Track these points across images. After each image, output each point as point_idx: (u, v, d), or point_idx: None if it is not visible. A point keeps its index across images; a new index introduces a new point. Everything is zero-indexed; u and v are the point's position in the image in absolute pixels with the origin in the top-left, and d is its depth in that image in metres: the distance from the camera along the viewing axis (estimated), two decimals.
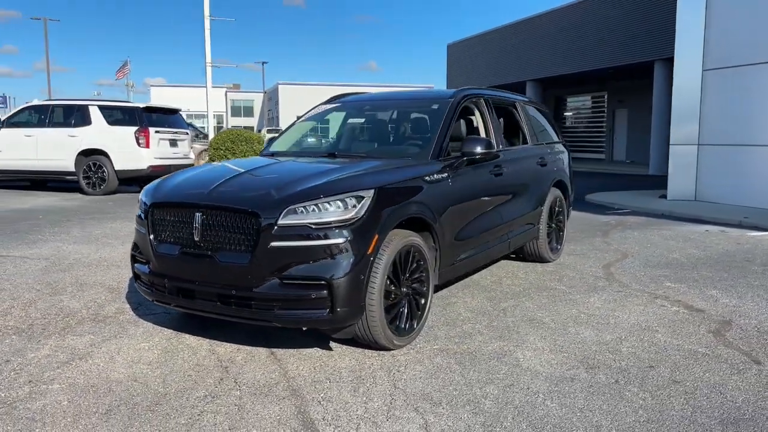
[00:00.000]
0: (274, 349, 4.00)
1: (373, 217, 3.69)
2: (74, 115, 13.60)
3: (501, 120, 6.30)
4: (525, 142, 6.25)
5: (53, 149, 13.50)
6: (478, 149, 4.67)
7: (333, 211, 3.60)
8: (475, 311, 4.80)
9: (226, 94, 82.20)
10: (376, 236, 3.68)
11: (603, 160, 30.48)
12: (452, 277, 4.73)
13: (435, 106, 5.11)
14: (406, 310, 4.03)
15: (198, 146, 19.29)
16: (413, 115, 5.31)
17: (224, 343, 4.11)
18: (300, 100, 68.67)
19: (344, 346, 4.03)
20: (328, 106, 5.76)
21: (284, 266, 3.56)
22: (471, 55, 33.98)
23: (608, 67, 24.01)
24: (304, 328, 3.80)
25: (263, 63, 79.79)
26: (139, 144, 13.16)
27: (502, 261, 6.55)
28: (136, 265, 4.28)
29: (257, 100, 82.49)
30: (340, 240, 3.57)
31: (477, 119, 5.45)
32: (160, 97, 73.71)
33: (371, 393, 3.34)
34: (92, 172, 13.34)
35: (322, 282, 3.53)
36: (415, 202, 4.09)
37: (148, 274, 4.09)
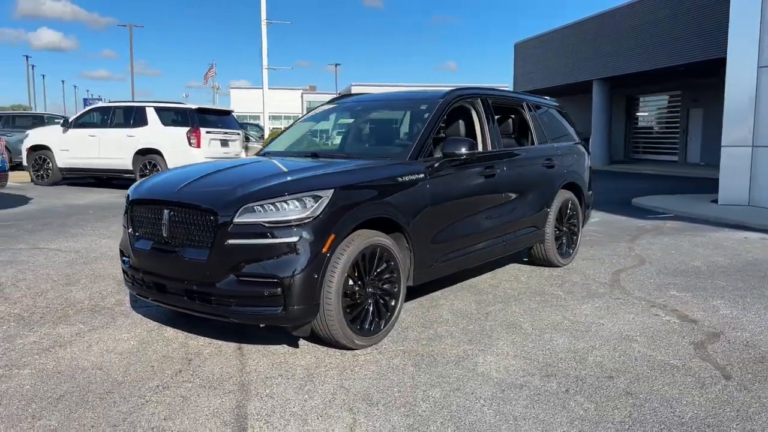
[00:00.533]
0: (243, 345, 4.10)
1: (330, 217, 3.72)
2: (133, 117, 14.30)
3: (509, 120, 6.20)
4: (532, 142, 6.11)
5: (113, 148, 14.23)
6: (461, 150, 4.61)
7: (289, 210, 3.66)
8: (457, 314, 4.74)
9: (302, 96, 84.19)
10: (332, 236, 3.71)
11: (676, 162, 29.14)
12: (432, 278, 4.69)
13: (423, 107, 5.09)
14: (371, 311, 4.03)
15: (258, 147, 19.85)
16: (402, 116, 5.30)
17: (199, 337, 4.24)
18: None
19: (311, 344, 4.08)
20: (327, 107, 5.83)
21: (240, 263, 3.65)
22: (536, 54, 33.29)
23: (679, 64, 22.94)
24: (261, 325, 3.88)
25: (336, 65, 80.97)
26: (190, 144, 13.67)
27: (509, 264, 6.42)
28: (123, 258, 4.48)
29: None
30: (294, 239, 3.62)
31: (474, 119, 5.38)
32: (239, 98, 76.23)
33: (315, 391, 3.38)
34: (148, 171, 13.97)
35: (275, 280, 3.60)
36: (382, 203, 4.09)
37: (129, 269, 4.28)
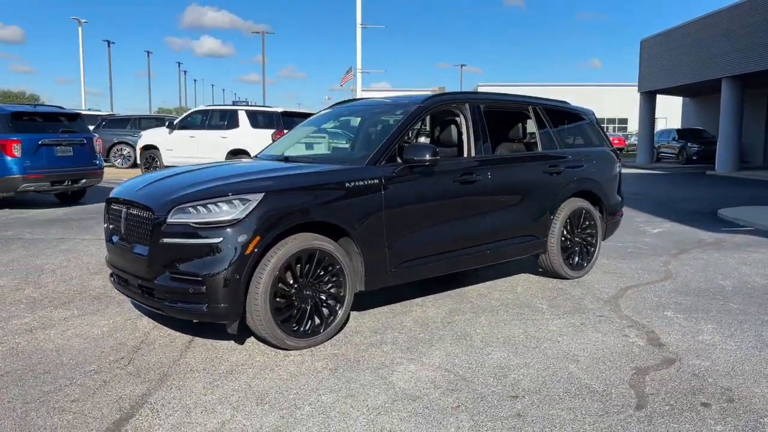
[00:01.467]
0: (199, 338, 4.34)
1: (256, 220, 3.86)
2: (227, 119, 15.29)
3: (513, 125, 6.00)
4: (537, 148, 5.86)
5: (209, 149, 15.28)
6: (423, 157, 4.57)
7: (217, 212, 3.85)
8: (420, 321, 4.70)
9: None
10: (258, 238, 3.85)
11: None
12: (391, 283, 4.67)
13: (399, 113, 5.08)
14: (308, 313, 4.12)
15: None
16: (379, 122, 5.31)
17: (167, 329, 4.54)
18: None
19: (256, 342, 4.24)
20: (324, 112, 5.96)
21: (172, 261, 3.90)
22: (661, 52, 31.18)
23: None
24: (194, 321, 4.09)
25: (462, 66, 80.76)
26: None
27: (521, 273, 6.20)
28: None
29: None
30: (218, 240, 3.81)
31: (460, 125, 5.28)
32: None
33: (221, 386, 3.54)
34: None
35: (199, 278, 3.81)
36: (323, 207, 4.15)
37: (107, 263, 4.68)
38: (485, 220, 5.16)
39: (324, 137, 5.76)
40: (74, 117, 11.59)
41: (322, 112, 6.11)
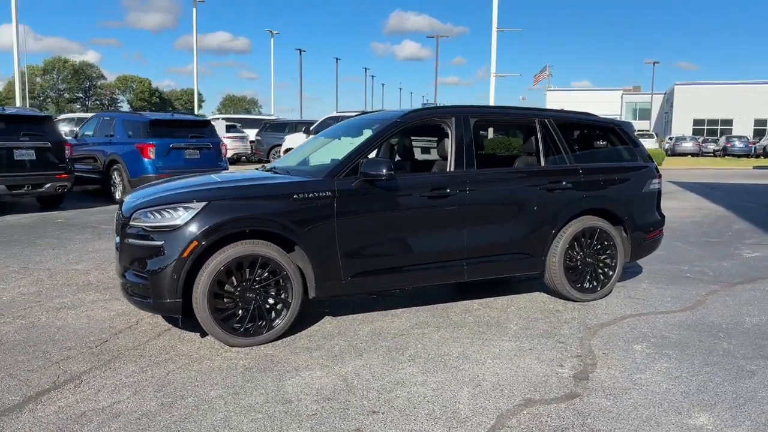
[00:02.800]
0: (175, 330, 4.91)
1: (196, 226, 4.32)
2: None
3: (516, 138, 5.81)
4: (540, 162, 5.62)
5: (338, 154, 16.18)
6: (380, 172, 4.71)
7: (165, 218, 4.39)
8: (376, 332, 4.84)
9: (621, 97, 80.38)
10: (195, 243, 4.31)
11: None
12: (346, 292, 4.87)
13: (375, 127, 5.23)
14: (250, 314, 4.49)
15: None
16: (359, 136, 5.47)
17: (158, 318, 5.19)
18: (699, 102, 63.17)
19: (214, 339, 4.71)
20: (339, 124, 6.27)
21: (133, 259, 4.52)
22: None
23: None
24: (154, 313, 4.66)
25: (654, 63, 74.72)
26: None
27: (533, 292, 5.97)
28: None
29: (656, 102, 77.94)
30: (160, 242, 4.34)
31: (445, 139, 5.29)
32: (554, 100, 75.83)
33: (144, 372, 4.05)
34: None
35: (144, 275, 4.38)
36: (263, 217, 4.48)
37: None
38: (461, 236, 5.12)
39: (311, 150, 6.07)
40: (205, 124, 13.08)
41: (337, 125, 6.42)
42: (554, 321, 5.13)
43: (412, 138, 6.42)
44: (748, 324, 5.06)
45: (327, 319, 5.17)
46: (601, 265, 5.74)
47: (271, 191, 4.67)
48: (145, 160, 11.90)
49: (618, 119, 6.27)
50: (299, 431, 3.25)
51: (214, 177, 5.34)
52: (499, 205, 5.33)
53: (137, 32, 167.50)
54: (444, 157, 5.42)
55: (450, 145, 5.25)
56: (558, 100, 74.69)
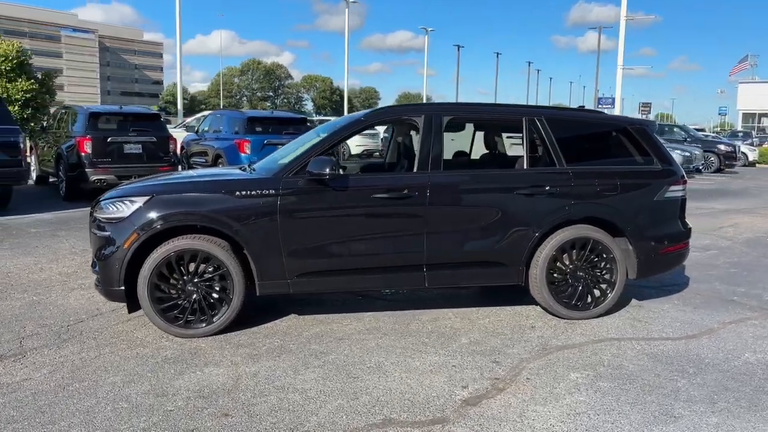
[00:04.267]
0: (143, 318, 5.21)
1: (137, 219, 4.57)
2: None
3: (498, 138, 5.37)
4: (550, 164, 5.14)
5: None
6: (324, 171, 4.63)
7: (114, 210, 4.69)
8: (322, 334, 4.78)
9: None
10: (135, 235, 4.55)
11: None
12: (293, 291, 4.82)
13: (340, 125, 5.14)
14: (191, 307, 4.65)
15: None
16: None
17: None
18: None
19: None
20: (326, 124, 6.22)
21: (96, 248, 4.88)
22: None
23: None
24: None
25: None
26: None
27: (518, 305, 5.51)
28: None
29: None
30: (107, 233, 4.66)
31: (414, 139, 5.05)
32: (746, 93, 68.35)
33: (78, 355, 4.38)
34: None
35: (96, 264, 4.72)
36: (204, 213, 4.60)
37: None
38: (420, 242, 4.87)
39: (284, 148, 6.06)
40: (302, 121, 13.60)
41: (326, 123, 6.39)
42: (514, 339, 4.69)
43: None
44: (740, 361, 4.25)
45: (290, 316, 5.19)
46: (596, 280, 5.14)
47: (214, 188, 4.79)
48: (242, 155, 12.63)
49: (635, 118, 5.51)
50: (137, 426, 3.33)
51: (194, 172, 5.59)
52: (465, 211, 4.97)
53: (325, 34, 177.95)
54: (411, 157, 5.19)
55: (418, 144, 5.01)
56: (749, 93, 66.93)
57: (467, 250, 4.97)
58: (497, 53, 73.09)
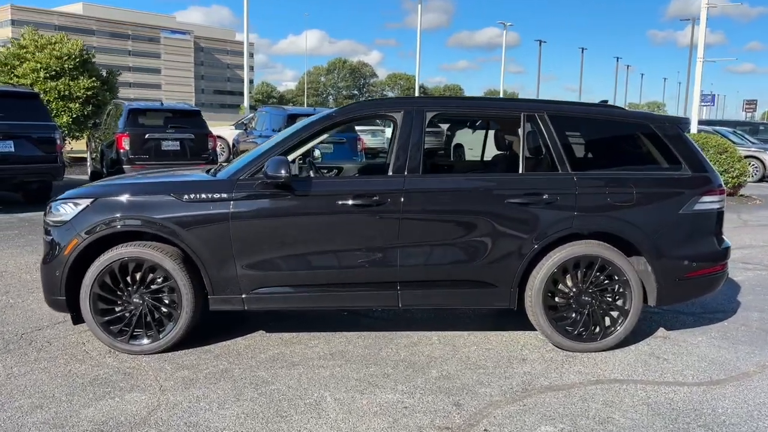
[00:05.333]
0: None
1: (79, 223, 4.19)
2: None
3: (494, 137, 4.63)
4: (551, 168, 4.39)
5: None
6: (279, 173, 4.09)
7: (59, 213, 4.34)
8: (269, 360, 4.22)
9: None
10: (74, 240, 4.18)
11: None
12: (248, 308, 4.30)
13: (308, 122, 4.57)
14: (136, 321, 4.24)
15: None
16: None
17: None
18: None
19: None
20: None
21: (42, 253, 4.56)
22: None
23: None
24: None
25: None
26: None
27: (519, 331, 4.75)
28: None
29: None
30: (49, 237, 4.31)
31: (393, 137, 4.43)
32: None
33: (11, 368, 4.06)
34: None
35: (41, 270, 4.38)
36: (146, 218, 4.17)
37: None
38: (393, 255, 4.24)
39: None
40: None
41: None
42: (494, 374, 3.98)
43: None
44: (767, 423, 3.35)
45: (255, 334, 4.69)
46: (605, 306, 4.33)
47: (161, 190, 4.33)
48: None
49: (662, 115, 4.63)
50: None
51: (152, 174, 5.20)
52: (446, 221, 4.29)
53: (413, 32, 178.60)
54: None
55: (397, 143, 4.37)
56: None
57: (448, 266, 4.28)
58: (582, 48, 69.66)
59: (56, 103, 15.18)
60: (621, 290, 4.30)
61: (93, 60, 16.62)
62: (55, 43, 15.53)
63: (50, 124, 10.18)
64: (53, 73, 15.16)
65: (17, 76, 15.11)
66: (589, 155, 4.72)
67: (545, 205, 4.26)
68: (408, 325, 4.92)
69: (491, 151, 5.49)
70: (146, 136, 11.35)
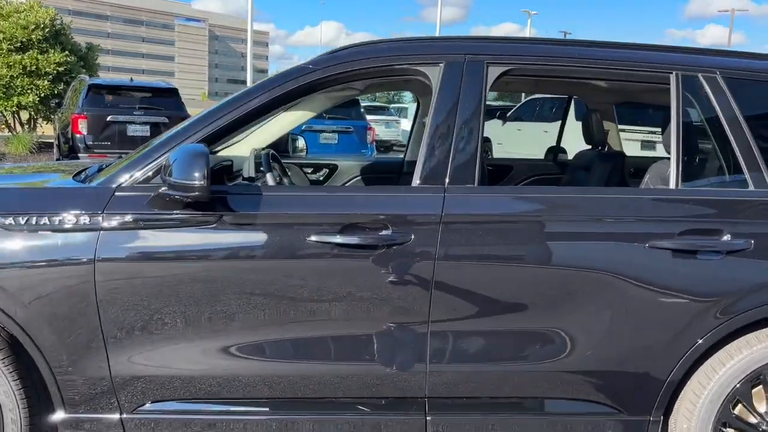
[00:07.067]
0: None
1: None
2: (554, 109, 13.02)
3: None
4: (735, 180, 2.27)
5: (531, 144, 13.25)
6: (192, 182, 1.99)
7: None
8: None
9: None
10: None
11: None
12: None
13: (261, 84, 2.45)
14: None
15: None
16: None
17: None
18: None
19: None
20: None
21: None
22: None
23: None
24: None
25: None
26: None
27: None
28: None
29: None
30: None
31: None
32: None
33: None
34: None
35: None
36: None
37: None
38: (417, 349, 2.13)
39: None
40: (352, 105, 11.26)
41: None
42: None
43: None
44: None
45: None
46: None
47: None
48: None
49: None
50: None
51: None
52: (525, 281, 2.16)
53: (429, 26, 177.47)
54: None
55: (419, 130, 2.26)
56: None
57: (527, 372, 2.17)
58: None
59: (21, 79, 13.04)
60: None
61: (67, 31, 14.50)
62: (22, 11, 13.43)
63: None
64: (18, 44, 13.06)
65: None
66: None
67: (728, 255, 2.11)
68: None
69: (582, 142, 3.40)
70: (108, 118, 9.23)
